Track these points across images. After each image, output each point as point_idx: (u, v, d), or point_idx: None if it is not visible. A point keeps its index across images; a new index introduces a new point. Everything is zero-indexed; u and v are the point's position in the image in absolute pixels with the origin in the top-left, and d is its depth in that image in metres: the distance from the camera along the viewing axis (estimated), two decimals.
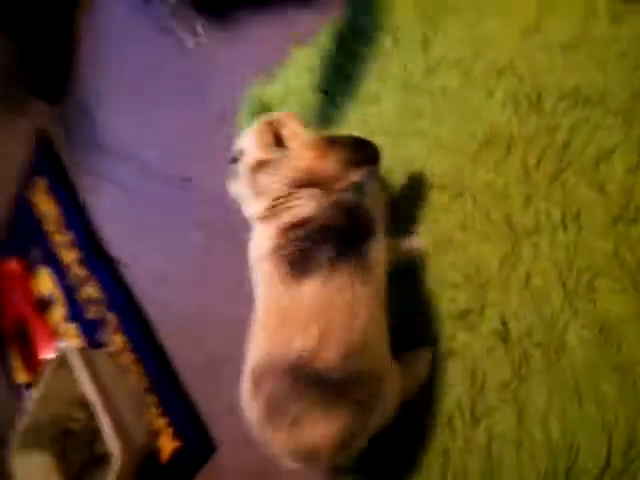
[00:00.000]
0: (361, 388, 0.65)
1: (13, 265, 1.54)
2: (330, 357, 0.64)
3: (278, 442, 0.68)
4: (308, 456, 0.67)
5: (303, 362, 0.64)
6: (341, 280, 0.64)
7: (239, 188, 0.74)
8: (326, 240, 0.65)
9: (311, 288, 0.65)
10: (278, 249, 0.67)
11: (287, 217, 0.67)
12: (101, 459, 1.22)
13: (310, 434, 0.65)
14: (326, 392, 0.64)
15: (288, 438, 0.67)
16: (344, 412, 0.65)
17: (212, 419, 1.06)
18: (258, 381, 0.69)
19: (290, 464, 0.69)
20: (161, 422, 1.12)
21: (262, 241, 0.69)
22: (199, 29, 1.06)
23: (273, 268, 0.67)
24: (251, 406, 0.71)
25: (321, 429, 0.65)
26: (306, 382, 0.65)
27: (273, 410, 0.67)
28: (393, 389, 0.69)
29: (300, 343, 0.64)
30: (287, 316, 0.66)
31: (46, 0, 1.32)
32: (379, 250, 0.67)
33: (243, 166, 0.73)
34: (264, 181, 0.70)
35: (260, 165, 0.70)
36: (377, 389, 0.67)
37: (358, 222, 0.67)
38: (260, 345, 0.70)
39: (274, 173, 0.69)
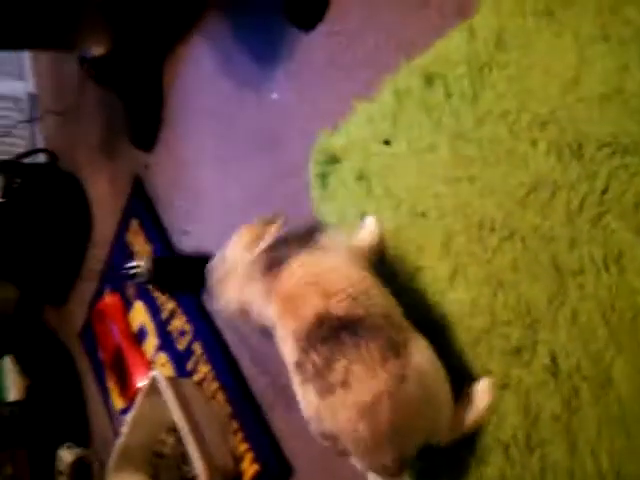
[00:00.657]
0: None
1: (112, 299, 1.68)
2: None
3: (337, 411, 0.72)
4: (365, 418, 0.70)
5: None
6: None
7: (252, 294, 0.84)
8: None
9: None
10: None
11: None
12: None
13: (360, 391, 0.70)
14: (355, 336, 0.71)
15: (343, 401, 0.71)
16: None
17: (289, 444, 1.13)
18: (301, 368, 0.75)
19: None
20: (243, 447, 1.20)
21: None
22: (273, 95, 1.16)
23: None
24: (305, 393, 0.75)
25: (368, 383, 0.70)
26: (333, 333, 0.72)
27: (321, 377, 0.72)
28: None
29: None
30: None
31: (140, 57, 1.45)
32: None
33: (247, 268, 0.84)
34: None
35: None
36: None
37: None
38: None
39: None
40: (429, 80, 0.88)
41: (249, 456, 1.18)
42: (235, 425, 1.22)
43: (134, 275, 1.30)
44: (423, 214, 0.89)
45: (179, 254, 1.43)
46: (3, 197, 1.88)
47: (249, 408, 1.20)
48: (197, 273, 1.02)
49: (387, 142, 0.94)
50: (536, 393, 0.75)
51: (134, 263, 1.30)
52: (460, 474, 0.83)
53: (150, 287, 1.40)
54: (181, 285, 1.30)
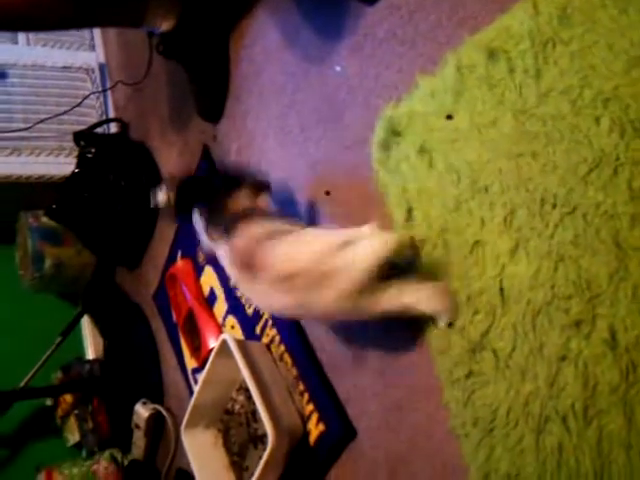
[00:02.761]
0: None
1: (184, 264, 1.75)
2: None
3: None
4: None
5: None
6: None
7: None
8: None
9: None
10: None
11: None
12: (258, 439, 1.37)
13: None
14: None
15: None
16: None
17: (353, 407, 1.18)
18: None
19: None
20: (309, 407, 1.26)
21: None
22: (337, 68, 1.18)
23: None
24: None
25: None
26: None
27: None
28: None
29: None
30: None
31: (207, 32, 1.49)
32: None
33: None
34: None
35: None
36: None
37: None
38: None
39: None
40: (492, 55, 0.89)
41: (315, 417, 1.24)
42: (301, 387, 1.28)
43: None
44: (485, 189, 0.91)
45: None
46: (78, 167, 1.97)
47: (314, 371, 1.25)
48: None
49: (449, 117, 0.96)
50: (594, 365, 0.77)
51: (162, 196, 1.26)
52: (519, 443, 0.86)
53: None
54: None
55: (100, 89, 2.29)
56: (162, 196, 1.22)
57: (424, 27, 1.01)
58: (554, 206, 0.82)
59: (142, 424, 1.90)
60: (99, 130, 2.19)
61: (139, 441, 1.95)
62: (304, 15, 1.28)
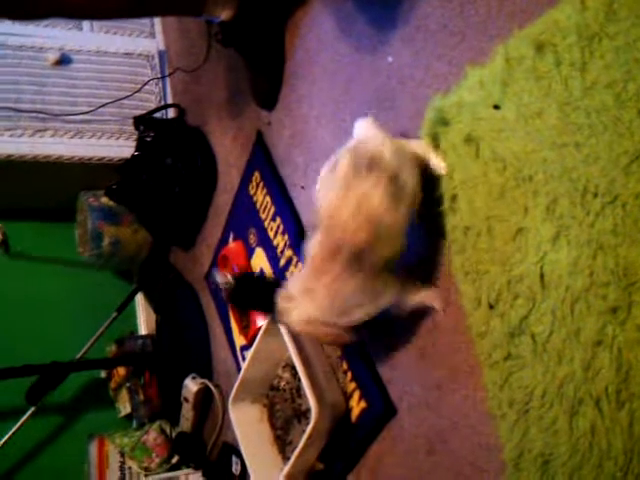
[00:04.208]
0: None
1: (236, 245, 1.82)
2: None
3: None
4: None
5: None
6: None
7: None
8: None
9: None
10: None
11: None
12: (302, 414, 1.43)
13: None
14: None
15: None
16: None
17: (394, 387, 1.22)
18: None
19: None
20: (352, 385, 1.31)
21: None
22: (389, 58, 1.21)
23: None
24: None
25: None
26: None
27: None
28: None
29: None
30: None
31: (264, 21, 1.54)
32: None
33: None
34: None
35: None
36: None
37: None
38: None
39: None
40: (540, 48, 0.91)
41: (357, 394, 1.28)
42: (345, 366, 1.33)
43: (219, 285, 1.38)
44: (530, 178, 0.94)
45: (262, 276, 1.56)
46: (137, 150, 2.05)
47: (358, 351, 1.29)
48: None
49: (497, 107, 0.98)
50: (628, 351, 0.79)
51: (222, 279, 1.35)
52: (553, 424, 0.89)
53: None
54: (256, 305, 1.39)
55: (159, 75, 2.37)
56: (221, 278, 1.33)
57: (474, 19, 1.03)
58: (595, 195, 0.84)
59: (191, 398, 1.98)
60: (158, 115, 2.26)
61: (187, 414, 2.03)
62: (358, 6, 1.31)
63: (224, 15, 1.48)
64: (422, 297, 1.09)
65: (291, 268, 1.54)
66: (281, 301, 1.09)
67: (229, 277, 1.31)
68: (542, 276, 0.91)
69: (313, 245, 1.04)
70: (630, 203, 0.80)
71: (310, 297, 1.05)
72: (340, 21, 1.38)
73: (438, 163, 1.08)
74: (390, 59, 1.23)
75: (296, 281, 1.10)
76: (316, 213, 1.03)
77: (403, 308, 1.10)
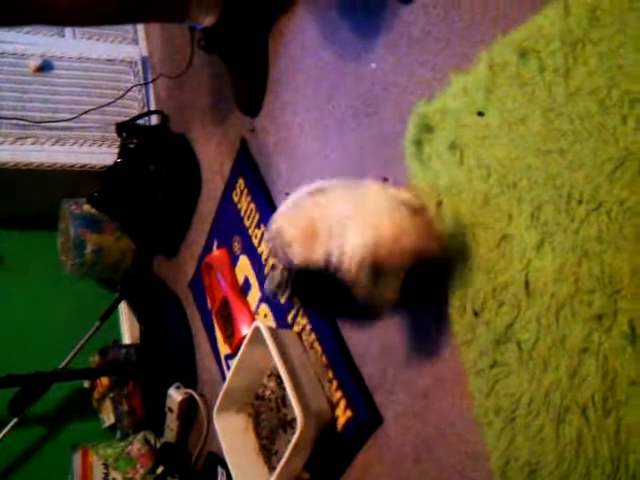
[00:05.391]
0: None
1: (220, 253, 1.80)
2: None
3: None
4: None
5: None
6: None
7: None
8: None
9: None
10: None
11: None
12: (288, 424, 1.41)
13: None
14: None
15: None
16: None
17: (380, 396, 1.21)
18: None
19: None
20: (337, 394, 1.30)
21: None
22: (372, 65, 1.21)
23: None
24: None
25: None
26: None
27: None
28: None
29: None
30: None
31: (247, 27, 1.53)
32: None
33: None
34: None
35: None
36: None
37: None
38: None
39: None
40: (523, 55, 0.91)
41: (343, 403, 1.27)
42: (330, 374, 1.32)
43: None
44: (514, 184, 0.93)
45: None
46: (120, 157, 2.03)
47: (343, 359, 1.28)
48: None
49: (480, 113, 0.98)
50: (614, 358, 0.79)
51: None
52: (539, 432, 0.89)
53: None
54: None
55: (142, 82, 2.35)
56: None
57: (459, 26, 1.03)
58: (580, 202, 0.84)
59: (175, 408, 1.96)
60: (141, 121, 2.25)
61: (172, 424, 2.01)
62: (342, 13, 1.31)
63: (207, 21, 1.47)
64: None
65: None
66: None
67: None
68: (527, 283, 0.91)
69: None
70: (615, 210, 0.80)
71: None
72: (324, 28, 1.38)
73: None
74: (374, 66, 1.22)
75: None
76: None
77: None
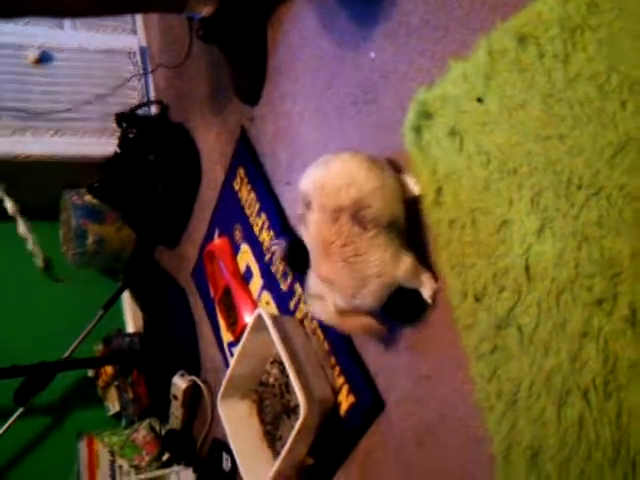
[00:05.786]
0: None
1: (221, 241, 1.81)
2: None
3: None
4: None
5: None
6: None
7: None
8: None
9: None
10: None
11: None
12: (291, 410, 1.42)
13: None
14: None
15: None
16: None
17: (382, 381, 1.22)
18: None
19: None
20: (340, 380, 1.31)
21: None
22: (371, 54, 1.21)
23: None
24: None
25: None
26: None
27: None
28: None
29: None
30: None
31: (246, 16, 1.53)
32: None
33: None
34: None
35: None
36: None
37: None
38: None
39: None
40: (522, 41, 0.91)
41: (345, 389, 1.29)
42: (333, 360, 1.33)
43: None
44: (514, 170, 0.94)
45: None
46: (120, 147, 2.04)
47: (345, 345, 1.29)
48: None
49: (480, 100, 0.98)
50: (615, 342, 0.80)
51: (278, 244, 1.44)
52: (541, 415, 0.90)
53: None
54: None
55: (141, 72, 2.35)
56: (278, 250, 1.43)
57: (457, 13, 1.03)
58: (580, 187, 0.84)
59: (180, 395, 1.97)
60: (140, 112, 2.24)
61: (177, 411, 2.02)
62: (340, 2, 1.30)
63: (205, 11, 1.47)
64: (423, 280, 1.07)
65: (276, 264, 1.54)
66: (309, 301, 1.12)
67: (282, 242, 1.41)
68: (527, 268, 0.91)
69: (311, 227, 1.05)
70: (614, 195, 0.80)
71: (329, 283, 1.05)
72: (322, 17, 1.37)
73: (412, 184, 1.10)
74: (372, 54, 1.22)
75: (312, 274, 1.11)
76: (304, 198, 1.05)
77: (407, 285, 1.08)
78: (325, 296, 1.09)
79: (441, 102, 1.05)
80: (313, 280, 1.11)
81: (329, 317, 1.11)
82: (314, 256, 1.07)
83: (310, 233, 1.05)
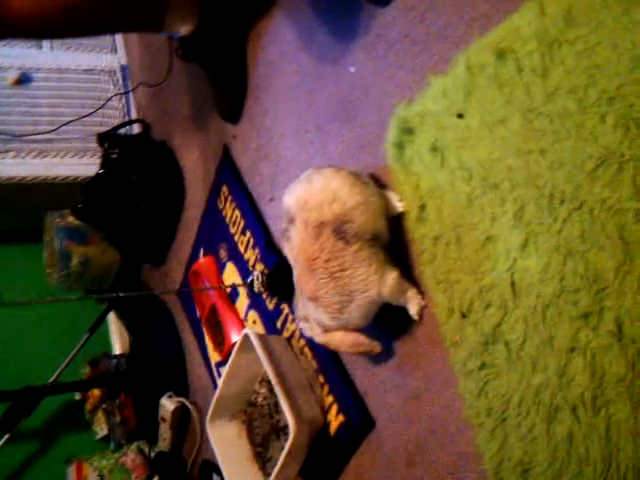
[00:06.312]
0: None
1: (207, 260, 1.80)
2: None
3: None
4: None
5: None
6: None
7: None
8: None
9: None
10: None
11: None
12: (281, 430, 1.41)
13: None
14: None
15: None
16: None
17: (371, 400, 1.21)
18: None
19: None
20: (329, 399, 1.29)
21: None
22: (351, 69, 1.21)
23: None
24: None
25: None
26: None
27: None
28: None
29: None
30: None
31: (225, 34, 1.52)
32: None
33: None
34: None
35: None
36: None
37: None
38: None
39: None
40: (501, 55, 0.91)
41: (334, 408, 1.27)
42: (321, 379, 1.32)
43: (251, 284, 1.43)
44: (496, 185, 0.93)
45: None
46: (103, 167, 2.02)
47: (334, 364, 1.28)
48: None
49: (460, 115, 0.98)
50: (602, 356, 0.79)
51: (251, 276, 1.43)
52: (530, 431, 0.89)
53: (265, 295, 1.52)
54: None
55: (122, 91, 2.34)
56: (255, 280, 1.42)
57: (436, 28, 1.03)
58: (562, 202, 0.84)
59: (168, 417, 1.95)
60: (122, 131, 2.23)
61: (165, 433, 2.00)
62: (319, 17, 1.30)
63: (183, 30, 1.46)
64: (410, 296, 1.06)
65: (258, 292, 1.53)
66: (301, 324, 1.10)
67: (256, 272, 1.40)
68: (513, 284, 0.91)
69: (295, 242, 1.04)
70: (597, 209, 0.80)
71: (315, 299, 1.04)
72: (301, 32, 1.37)
73: (396, 200, 1.10)
74: (352, 69, 1.22)
75: (298, 296, 1.10)
76: (287, 213, 1.05)
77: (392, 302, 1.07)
78: (309, 316, 1.08)
79: (421, 118, 1.05)
80: (299, 301, 1.10)
81: (318, 337, 1.09)
82: (298, 272, 1.06)
83: (293, 249, 1.05)
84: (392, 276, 1.03)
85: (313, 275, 1.02)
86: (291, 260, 1.08)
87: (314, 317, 1.07)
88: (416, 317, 1.06)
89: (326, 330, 1.07)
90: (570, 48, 0.82)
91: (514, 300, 0.91)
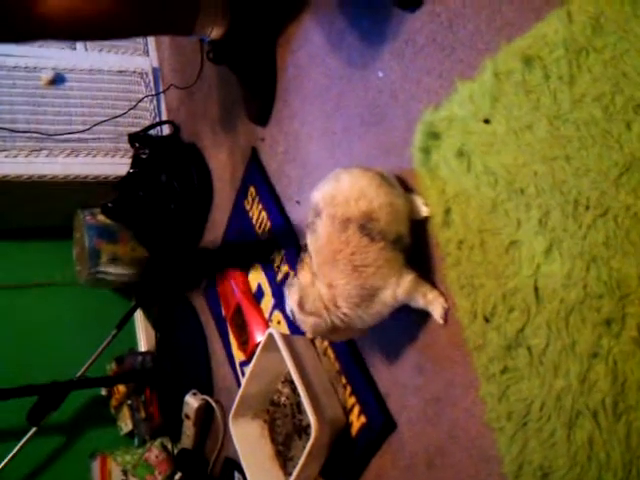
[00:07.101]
0: None
1: None
2: None
3: None
4: None
5: None
6: None
7: None
8: None
9: None
10: None
11: None
12: (303, 430, 1.42)
13: None
14: None
15: None
16: None
17: (393, 401, 1.22)
18: None
19: None
20: (351, 400, 1.31)
21: None
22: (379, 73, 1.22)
23: None
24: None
25: None
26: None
27: None
28: None
29: None
30: None
31: (255, 38, 1.54)
32: None
33: None
34: None
35: None
36: None
37: None
38: None
39: None
40: (528, 62, 0.92)
41: (356, 409, 1.28)
42: (344, 380, 1.33)
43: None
44: (521, 191, 0.94)
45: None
46: (133, 167, 2.06)
47: (356, 365, 1.29)
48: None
49: (487, 121, 0.99)
50: (623, 363, 0.80)
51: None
52: (551, 436, 0.89)
53: None
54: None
55: (153, 92, 2.37)
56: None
57: (463, 34, 1.04)
58: (587, 208, 0.84)
59: (192, 414, 1.97)
60: (152, 132, 2.27)
61: (189, 431, 2.02)
62: (348, 21, 1.32)
63: (214, 34, 1.49)
64: (431, 298, 1.07)
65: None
66: (299, 314, 1.10)
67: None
68: (536, 289, 0.91)
69: (320, 234, 1.06)
70: (621, 215, 0.80)
71: (333, 290, 1.05)
72: (331, 37, 1.39)
73: (421, 204, 1.12)
74: (381, 74, 1.23)
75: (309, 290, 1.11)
76: (315, 208, 1.07)
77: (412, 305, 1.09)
78: (319, 313, 1.08)
79: (448, 123, 1.05)
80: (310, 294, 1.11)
81: (320, 330, 1.10)
82: (319, 263, 1.07)
83: (318, 240, 1.06)
84: (408, 279, 1.05)
85: (335, 265, 1.04)
86: (312, 251, 1.09)
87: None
88: (441, 321, 1.07)
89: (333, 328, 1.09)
90: (597, 56, 0.82)
91: (537, 305, 0.91)
